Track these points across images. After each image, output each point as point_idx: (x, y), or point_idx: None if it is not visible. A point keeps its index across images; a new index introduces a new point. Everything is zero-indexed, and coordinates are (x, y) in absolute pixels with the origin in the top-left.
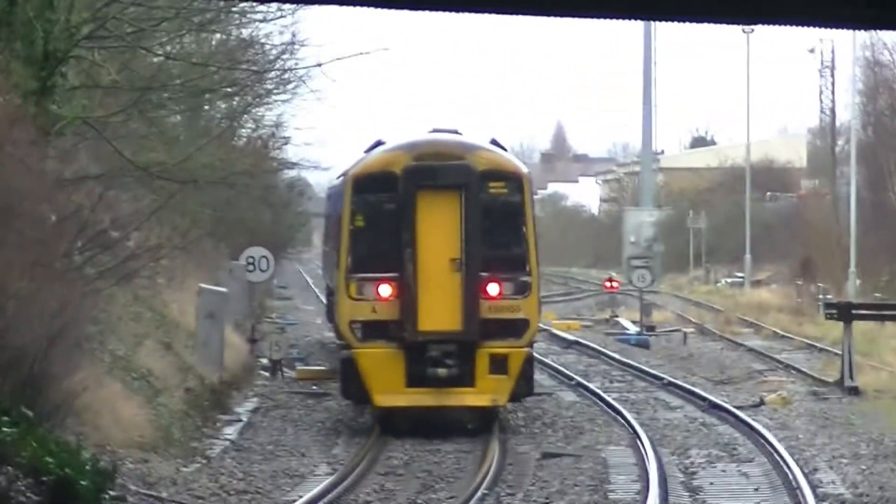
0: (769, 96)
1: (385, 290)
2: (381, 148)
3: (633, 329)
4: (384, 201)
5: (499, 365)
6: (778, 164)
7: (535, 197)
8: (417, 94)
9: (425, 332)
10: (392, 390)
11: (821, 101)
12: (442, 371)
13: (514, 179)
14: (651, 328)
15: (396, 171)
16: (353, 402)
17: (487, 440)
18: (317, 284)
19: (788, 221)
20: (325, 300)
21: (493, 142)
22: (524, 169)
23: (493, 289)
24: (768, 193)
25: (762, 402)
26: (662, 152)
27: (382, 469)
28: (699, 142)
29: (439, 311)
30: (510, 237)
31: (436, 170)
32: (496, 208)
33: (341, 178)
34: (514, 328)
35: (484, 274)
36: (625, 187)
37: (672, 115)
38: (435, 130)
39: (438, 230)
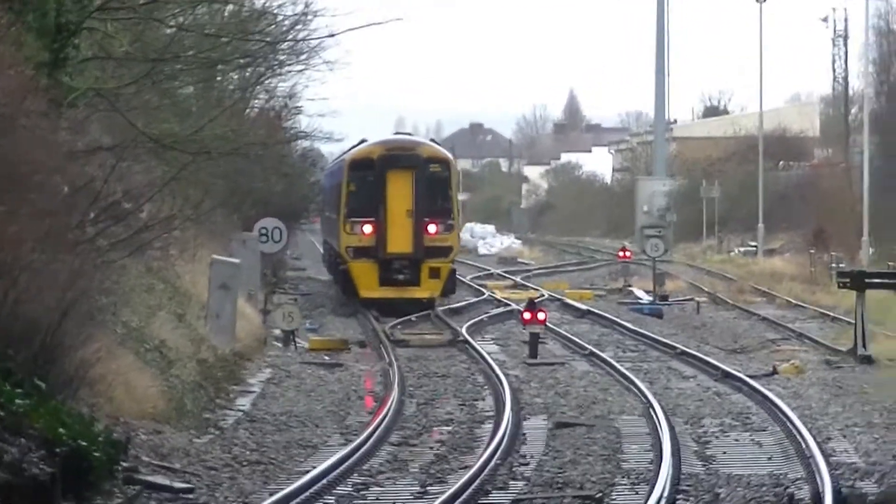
0: (782, 65)
1: (367, 228)
2: (365, 143)
3: (646, 298)
4: (367, 175)
5: (434, 273)
6: (791, 133)
7: (545, 168)
8: (432, 66)
9: (391, 253)
10: (370, 288)
11: (833, 70)
12: (401, 276)
13: (444, 163)
14: (664, 297)
15: (374, 157)
16: (347, 296)
17: (501, 410)
18: None
19: (802, 190)
20: (322, 250)
21: (433, 140)
22: (451, 156)
23: (431, 228)
24: (781, 162)
25: (775, 371)
26: (675, 121)
27: (395, 439)
28: (712, 111)
29: (399, 241)
30: (441, 197)
31: (398, 157)
32: (434, 180)
33: (338, 162)
34: (444, 251)
35: (426, 219)
36: (638, 157)
37: (685, 84)
38: (397, 133)
39: (399, 193)
